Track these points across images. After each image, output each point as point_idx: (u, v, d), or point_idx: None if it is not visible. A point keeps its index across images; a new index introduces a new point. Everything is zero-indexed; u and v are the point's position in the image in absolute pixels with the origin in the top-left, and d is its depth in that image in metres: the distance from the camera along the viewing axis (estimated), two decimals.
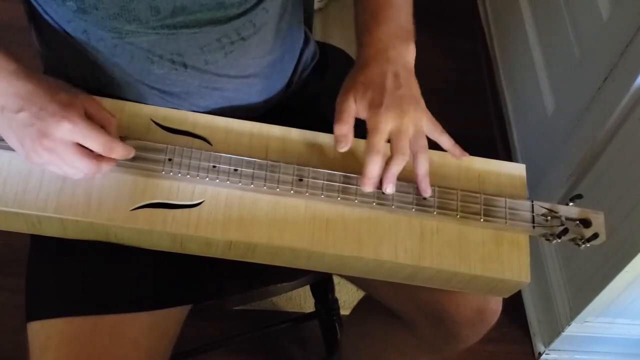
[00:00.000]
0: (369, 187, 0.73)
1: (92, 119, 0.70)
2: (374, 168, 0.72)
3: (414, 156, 0.74)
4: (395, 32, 0.77)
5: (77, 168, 0.70)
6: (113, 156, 0.70)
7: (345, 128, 0.73)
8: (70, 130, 0.67)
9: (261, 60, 0.84)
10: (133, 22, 0.73)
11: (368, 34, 0.78)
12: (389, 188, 0.74)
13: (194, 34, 0.76)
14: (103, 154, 0.70)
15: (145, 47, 0.76)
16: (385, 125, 0.72)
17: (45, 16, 0.78)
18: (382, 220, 0.76)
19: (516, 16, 1.75)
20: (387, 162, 0.73)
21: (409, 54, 0.77)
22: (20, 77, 0.68)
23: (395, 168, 0.73)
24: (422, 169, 0.74)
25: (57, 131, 0.67)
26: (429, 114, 0.76)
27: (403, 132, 0.72)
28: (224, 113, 0.81)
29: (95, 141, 0.68)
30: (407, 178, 0.78)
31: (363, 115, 0.73)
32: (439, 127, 0.76)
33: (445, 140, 0.77)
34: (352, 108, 0.74)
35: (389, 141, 0.73)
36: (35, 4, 0.78)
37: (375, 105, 0.72)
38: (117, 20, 0.73)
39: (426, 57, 1.94)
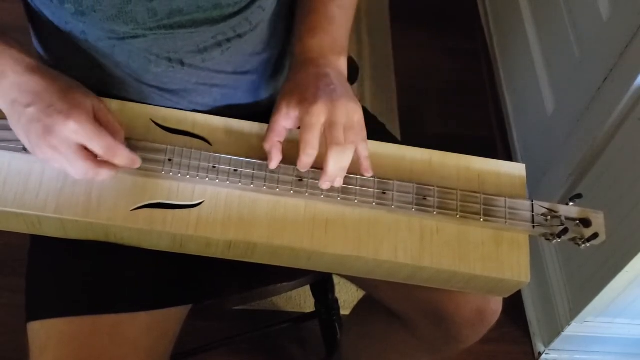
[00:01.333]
0: (303, 169, 0.73)
1: (100, 124, 0.70)
2: (306, 162, 0.72)
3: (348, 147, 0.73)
4: (328, 44, 0.78)
5: (75, 169, 0.69)
6: (116, 161, 0.70)
7: (267, 145, 0.73)
8: (74, 131, 0.67)
9: (259, 57, 0.85)
10: (130, 23, 0.73)
11: (301, 44, 0.78)
12: (325, 185, 0.73)
13: (191, 33, 0.76)
14: (105, 158, 0.69)
15: (143, 47, 0.77)
16: (317, 118, 0.71)
17: (43, 17, 0.78)
18: (381, 220, 0.76)
19: (516, 16, 1.75)
20: (325, 159, 0.72)
21: (340, 64, 0.78)
22: (34, 73, 0.69)
23: (332, 164, 0.72)
24: (346, 161, 0.72)
25: (63, 130, 0.67)
26: (361, 113, 0.75)
27: (335, 122, 0.71)
28: (223, 111, 0.81)
29: (99, 144, 0.68)
30: (407, 178, 0.78)
31: (295, 115, 0.73)
32: (364, 132, 0.75)
33: (363, 147, 0.75)
34: (281, 125, 0.73)
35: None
36: (33, 5, 0.78)
37: (306, 102, 0.72)
38: (115, 22, 0.73)
39: (426, 57, 1.97)
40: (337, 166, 0.72)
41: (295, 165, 0.75)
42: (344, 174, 0.74)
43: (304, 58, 0.77)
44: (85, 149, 0.68)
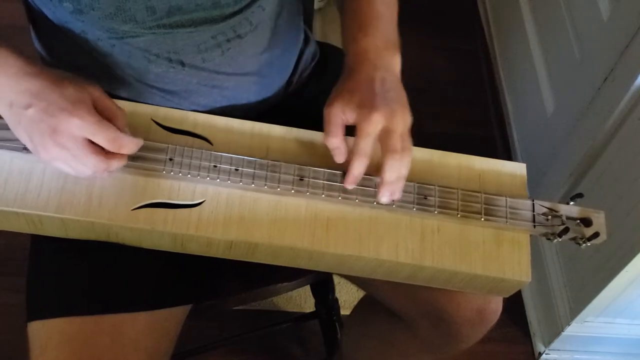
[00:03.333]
0: (351, 187, 0.74)
1: (101, 112, 0.69)
2: (358, 169, 0.72)
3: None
4: (382, 42, 0.77)
5: (86, 165, 0.69)
6: (122, 152, 0.70)
7: (335, 141, 0.73)
8: (79, 126, 0.67)
9: (259, 58, 0.85)
10: (129, 22, 0.73)
11: (355, 44, 0.78)
12: (385, 198, 0.73)
13: (190, 32, 0.76)
14: (112, 150, 0.69)
15: (143, 47, 0.76)
16: (376, 126, 0.71)
17: (44, 17, 0.78)
18: (382, 219, 0.76)
19: (516, 16, 1.75)
20: (381, 168, 0.72)
21: (396, 64, 0.77)
22: (28, 74, 0.68)
23: (389, 172, 0.71)
24: (404, 170, 0.73)
25: (67, 127, 0.66)
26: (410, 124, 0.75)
27: (394, 130, 0.72)
28: (224, 111, 0.81)
29: (103, 137, 0.68)
30: (407, 177, 0.78)
31: (352, 119, 0.72)
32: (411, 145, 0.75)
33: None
34: (340, 117, 0.73)
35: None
36: (33, 5, 0.78)
37: (365, 108, 0.71)
38: (114, 20, 0.73)
39: (426, 57, 1.97)
40: (394, 175, 0.72)
41: (296, 165, 0.75)
42: (403, 183, 0.73)
43: (360, 58, 0.76)
44: (92, 143, 0.68)
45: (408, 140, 0.73)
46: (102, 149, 0.69)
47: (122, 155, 0.70)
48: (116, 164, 0.70)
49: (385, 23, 0.79)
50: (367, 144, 0.71)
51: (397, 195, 0.74)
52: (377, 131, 0.71)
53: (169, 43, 0.77)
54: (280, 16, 0.85)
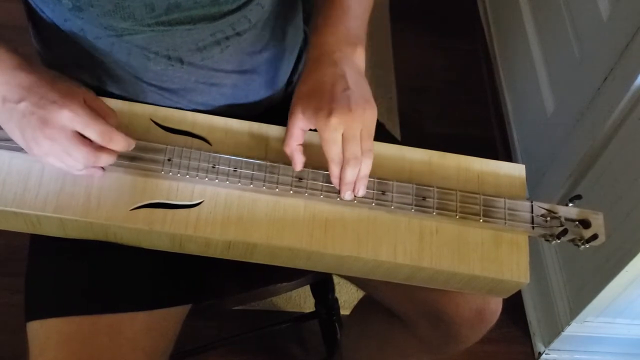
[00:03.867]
0: (349, 196, 0.75)
1: (92, 110, 0.70)
2: (334, 174, 0.73)
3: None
4: (343, 35, 0.77)
5: (77, 158, 0.69)
6: (112, 146, 0.69)
7: (288, 150, 0.74)
8: (70, 118, 0.67)
9: (258, 56, 0.84)
10: (128, 19, 0.73)
11: (317, 36, 0.78)
12: (347, 195, 0.74)
13: (189, 30, 0.76)
14: (102, 144, 0.69)
15: (141, 45, 0.76)
16: (335, 132, 0.71)
17: (42, 15, 0.78)
18: (381, 220, 0.76)
19: (516, 16, 1.75)
20: (342, 169, 0.72)
21: (357, 57, 0.77)
22: (22, 70, 0.68)
23: (350, 173, 0.72)
24: (365, 169, 0.74)
25: (58, 119, 0.67)
26: (376, 112, 0.75)
27: (352, 136, 0.71)
28: (223, 110, 0.81)
29: (94, 130, 0.68)
30: (406, 178, 0.78)
31: (312, 125, 0.73)
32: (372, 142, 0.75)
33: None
34: (297, 126, 0.73)
35: None
36: (32, 3, 0.78)
37: (322, 114, 0.71)
38: (112, 17, 0.73)
39: (426, 57, 1.97)
40: (354, 176, 0.73)
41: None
42: (366, 182, 0.74)
43: (319, 51, 0.76)
44: (82, 136, 0.68)
45: (369, 141, 0.73)
46: (92, 143, 0.69)
47: (112, 150, 0.70)
48: (105, 158, 0.70)
49: (352, 18, 0.79)
50: (332, 150, 0.72)
51: (361, 192, 0.75)
52: (337, 136, 0.71)
53: (168, 41, 0.77)
54: (279, 15, 0.85)
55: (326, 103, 0.71)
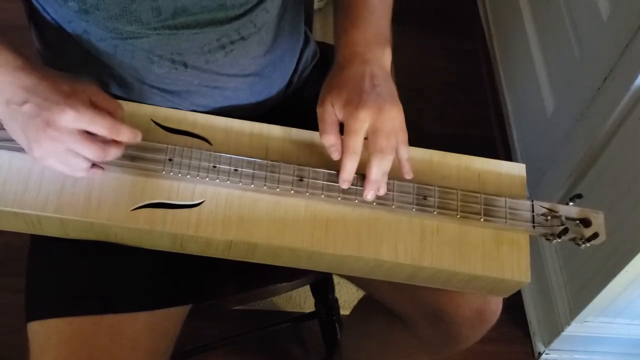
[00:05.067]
0: (346, 185, 0.74)
1: (98, 108, 0.69)
2: (350, 167, 0.72)
3: (396, 150, 0.73)
4: (372, 36, 0.77)
5: (85, 154, 0.68)
6: (120, 138, 0.69)
7: (331, 138, 0.73)
8: (74, 118, 0.66)
9: (261, 60, 0.85)
10: (134, 23, 0.73)
11: (345, 36, 0.78)
12: (370, 195, 0.74)
13: (195, 34, 0.76)
14: (110, 137, 0.68)
15: (146, 48, 0.76)
16: (362, 124, 0.71)
17: (46, 15, 0.78)
18: (382, 220, 0.76)
19: (516, 16, 1.75)
20: (367, 166, 0.72)
21: (385, 57, 0.77)
22: (25, 71, 0.68)
23: (375, 171, 0.72)
24: (387, 167, 0.73)
25: (62, 120, 0.66)
26: (403, 115, 0.75)
27: (380, 129, 0.71)
28: (225, 112, 0.81)
29: (101, 124, 0.67)
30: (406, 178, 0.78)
31: (340, 116, 0.73)
32: (406, 135, 0.75)
33: (404, 150, 0.75)
34: (332, 115, 0.73)
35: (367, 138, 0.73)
36: (35, 3, 0.78)
37: (352, 105, 0.72)
38: (119, 21, 0.73)
39: (426, 57, 1.97)
40: (380, 173, 0.72)
41: (295, 165, 0.75)
42: (386, 179, 0.74)
43: (350, 52, 0.76)
44: (88, 134, 0.68)
45: (394, 138, 0.73)
46: (98, 138, 0.68)
47: (120, 144, 0.69)
48: (114, 152, 0.69)
49: (378, 18, 0.79)
50: (355, 141, 0.71)
51: (382, 191, 0.74)
52: (364, 129, 0.71)
53: (173, 44, 0.77)
54: (283, 18, 0.85)
55: (356, 96, 0.72)
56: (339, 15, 0.81)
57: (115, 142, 0.69)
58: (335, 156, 0.73)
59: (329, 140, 0.73)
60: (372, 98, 0.72)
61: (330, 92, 0.74)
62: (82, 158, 0.69)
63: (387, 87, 0.74)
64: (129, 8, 0.71)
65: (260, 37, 0.82)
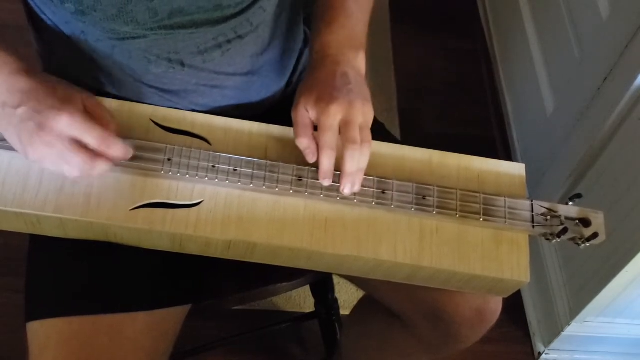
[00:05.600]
0: (327, 182, 0.74)
1: (92, 115, 0.69)
2: (326, 163, 0.72)
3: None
4: (345, 40, 0.78)
5: (72, 164, 0.68)
6: (110, 153, 0.69)
7: (304, 141, 0.73)
8: (68, 124, 0.66)
9: (259, 58, 0.85)
10: (131, 23, 0.73)
11: (319, 39, 0.78)
12: (347, 189, 0.73)
13: (191, 34, 0.76)
14: (100, 150, 0.68)
15: (143, 48, 0.76)
16: (334, 118, 0.71)
17: (43, 17, 0.78)
18: (381, 219, 0.76)
19: (516, 16, 1.75)
20: (342, 159, 0.72)
21: (359, 60, 0.78)
22: (22, 75, 0.68)
23: (349, 163, 0.72)
24: (363, 162, 0.73)
25: (56, 124, 0.66)
26: (372, 118, 0.75)
27: (352, 121, 0.72)
28: (223, 112, 0.81)
29: (92, 136, 0.67)
30: (406, 178, 0.78)
31: (313, 116, 0.73)
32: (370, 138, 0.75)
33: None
34: (305, 117, 0.73)
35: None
36: (33, 5, 0.78)
37: (323, 102, 0.72)
38: (115, 22, 0.73)
39: (426, 57, 1.97)
40: (355, 166, 0.72)
41: (294, 165, 0.75)
42: (362, 176, 0.74)
43: (323, 54, 0.77)
44: (79, 143, 0.68)
45: (367, 133, 0.73)
46: (89, 150, 0.68)
47: (108, 158, 0.69)
48: (101, 166, 0.69)
49: (355, 21, 0.80)
50: (328, 137, 0.71)
51: (357, 188, 0.74)
52: (336, 123, 0.71)
53: (170, 44, 0.77)
54: (280, 17, 0.85)
55: (327, 93, 0.72)
56: (316, 18, 0.82)
57: (104, 157, 0.69)
58: (310, 159, 0.74)
59: (302, 143, 0.73)
60: (343, 94, 0.72)
61: (302, 94, 0.74)
62: (71, 166, 0.68)
63: (359, 86, 0.75)
64: (126, 9, 0.71)
65: (257, 35, 0.82)
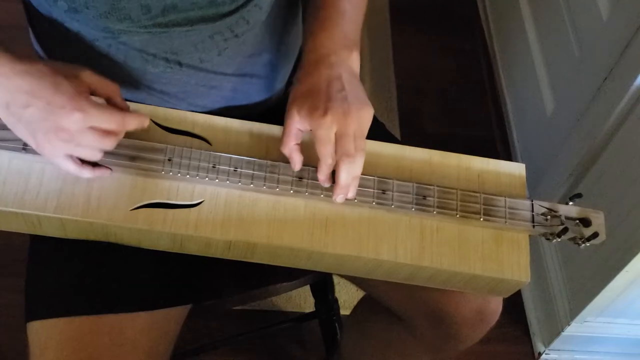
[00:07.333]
0: (327, 184, 0.74)
1: (98, 94, 0.70)
2: (327, 172, 0.73)
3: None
4: (339, 39, 0.77)
5: (98, 148, 0.69)
6: (130, 129, 0.70)
7: (286, 150, 0.74)
8: (82, 119, 0.66)
9: (258, 59, 0.84)
10: (124, 20, 0.73)
11: (312, 39, 0.78)
12: (339, 198, 0.74)
13: (187, 32, 0.76)
14: (119, 130, 0.69)
15: (139, 47, 0.76)
16: (329, 131, 0.71)
17: (41, 17, 0.78)
18: (381, 219, 0.76)
19: (516, 16, 1.75)
20: (336, 170, 0.72)
21: (352, 60, 0.77)
22: (22, 73, 0.68)
23: (344, 176, 0.72)
24: (357, 171, 0.73)
25: (71, 123, 0.66)
26: (372, 115, 0.75)
27: (346, 134, 0.72)
28: (223, 112, 0.81)
29: (109, 122, 0.68)
30: (406, 177, 0.78)
31: (307, 125, 0.73)
32: (365, 143, 0.75)
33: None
34: (294, 126, 0.73)
35: None
36: (30, 5, 0.78)
37: (317, 112, 0.72)
38: (108, 19, 0.72)
39: (426, 57, 1.97)
40: (349, 177, 0.72)
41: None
42: (356, 183, 0.74)
43: (316, 55, 0.77)
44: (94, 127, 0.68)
45: (361, 140, 0.73)
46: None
47: (115, 134, 0.70)
48: (109, 141, 0.69)
49: (348, 21, 0.79)
50: (327, 149, 0.72)
51: (351, 195, 0.74)
52: (332, 135, 0.72)
53: (166, 42, 0.77)
54: (278, 16, 0.85)
55: (322, 102, 0.72)
56: (309, 18, 0.81)
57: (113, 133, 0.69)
58: (295, 168, 0.74)
59: (285, 151, 0.74)
60: (337, 104, 0.72)
61: (295, 100, 0.74)
62: (93, 148, 0.69)
63: (353, 89, 0.74)
64: (118, 5, 0.71)
65: (254, 35, 0.82)
